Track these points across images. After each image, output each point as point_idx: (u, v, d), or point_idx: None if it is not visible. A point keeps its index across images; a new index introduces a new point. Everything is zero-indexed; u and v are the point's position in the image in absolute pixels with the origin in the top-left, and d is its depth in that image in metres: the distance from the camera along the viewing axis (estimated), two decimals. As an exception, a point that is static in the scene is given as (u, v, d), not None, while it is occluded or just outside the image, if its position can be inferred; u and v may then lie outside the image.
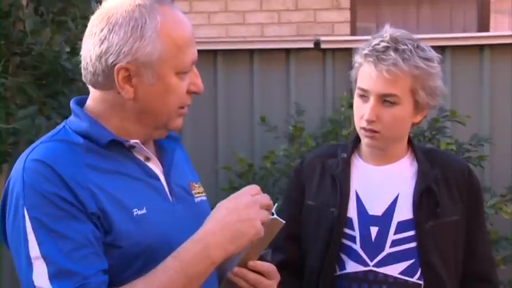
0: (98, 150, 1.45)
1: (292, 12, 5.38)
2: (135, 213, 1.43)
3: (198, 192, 1.62)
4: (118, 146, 1.47)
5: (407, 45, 1.86)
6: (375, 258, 1.91)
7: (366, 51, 1.89)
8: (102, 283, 1.36)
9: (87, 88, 1.52)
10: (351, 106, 2.05)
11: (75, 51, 2.99)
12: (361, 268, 1.91)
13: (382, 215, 1.93)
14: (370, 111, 1.87)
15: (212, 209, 1.47)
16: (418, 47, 1.89)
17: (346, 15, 5.39)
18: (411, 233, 1.91)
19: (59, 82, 3.04)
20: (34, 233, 1.35)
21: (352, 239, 1.93)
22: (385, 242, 1.91)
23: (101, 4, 1.49)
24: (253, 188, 1.47)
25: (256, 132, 4.35)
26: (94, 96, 1.50)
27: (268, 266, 1.54)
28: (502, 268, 3.76)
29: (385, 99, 1.87)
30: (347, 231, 1.93)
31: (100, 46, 1.42)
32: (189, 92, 1.49)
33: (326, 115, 4.29)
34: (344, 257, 1.93)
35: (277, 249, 1.98)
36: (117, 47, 1.41)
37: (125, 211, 1.42)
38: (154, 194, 1.50)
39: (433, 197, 1.92)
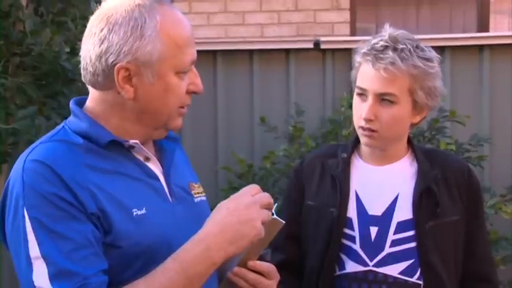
0: (98, 151, 1.45)
1: (292, 13, 5.38)
2: (134, 213, 1.43)
3: (198, 193, 1.62)
4: (117, 146, 1.48)
5: (406, 45, 1.86)
6: (375, 258, 1.91)
7: (364, 50, 1.89)
8: (102, 283, 1.36)
9: (87, 88, 1.52)
10: (350, 106, 2.05)
11: (75, 51, 2.98)
12: (361, 268, 1.91)
13: (382, 215, 1.93)
14: (368, 110, 1.88)
15: (212, 209, 1.47)
16: (417, 47, 1.89)
17: (346, 15, 5.39)
18: (411, 233, 1.91)
19: (59, 82, 3.04)
20: (34, 233, 1.36)
21: (352, 239, 1.93)
22: (385, 242, 1.91)
23: (100, 4, 1.49)
24: (254, 188, 1.47)
25: (256, 132, 4.36)
26: (93, 97, 1.50)
27: (268, 266, 1.54)
28: (501, 268, 3.76)
29: (383, 98, 1.87)
30: (347, 231, 1.93)
31: (100, 46, 1.42)
32: (189, 92, 1.50)
33: (326, 115, 4.29)
34: (344, 257, 1.93)
35: (277, 249, 1.98)
36: (117, 47, 1.41)
37: (125, 211, 1.42)
38: (154, 194, 1.50)
39: (433, 197, 1.92)
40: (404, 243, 1.91)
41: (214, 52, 4.42)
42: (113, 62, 1.42)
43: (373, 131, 1.89)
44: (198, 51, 1.51)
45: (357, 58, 1.93)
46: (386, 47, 1.86)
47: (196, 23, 5.12)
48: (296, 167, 2.12)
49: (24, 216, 1.36)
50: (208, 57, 4.38)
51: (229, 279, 1.53)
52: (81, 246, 1.35)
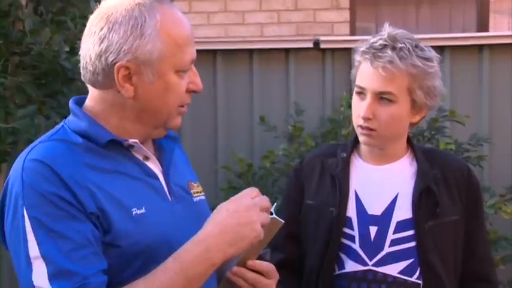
0: (97, 150, 1.45)
1: (291, 12, 5.38)
2: (134, 212, 1.43)
3: (197, 192, 1.62)
4: (117, 146, 1.47)
5: (405, 44, 1.86)
6: (374, 257, 1.91)
7: (363, 49, 1.89)
8: (101, 283, 1.36)
9: (87, 88, 1.51)
10: (350, 106, 2.05)
11: (75, 50, 2.98)
12: (360, 267, 1.91)
13: (382, 214, 1.93)
14: (367, 108, 1.88)
15: (211, 208, 1.47)
16: (416, 46, 1.89)
17: (346, 15, 5.39)
18: (410, 232, 1.91)
19: (58, 82, 3.04)
20: (33, 232, 1.35)
21: (352, 238, 1.93)
22: (384, 241, 1.91)
23: (99, 3, 1.49)
24: (253, 191, 1.47)
25: (256, 132, 4.36)
26: (93, 96, 1.50)
27: (267, 266, 1.54)
28: (501, 268, 3.76)
29: (382, 97, 1.87)
30: (346, 230, 1.93)
31: (100, 45, 1.42)
32: (189, 91, 1.50)
33: (325, 115, 4.29)
34: (343, 256, 1.93)
35: (277, 248, 1.97)
36: (117, 46, 1.41)
37: (124, 210, 1.42)
38: (153, 193, 1.50)
39: (433, 197, 1.92)
40: (404, 243, 1.91)
41: (214, 51, 4.42)
42: (113, 60, 1.42)
43: (371, 129, 1.89)
44: (198, 51, 1.52)
45: (357, 57, 1.93)
46: (385, 46, 1.86)
47: (196, 23, 5.12)
48: (296, 167, 2.12)
49: (23, 215, 1.36)
50: (208, 57, 4.38)
51: (229, 279, 1.53)
52: (81, 245, 1.35)
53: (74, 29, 3.05)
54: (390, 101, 1.87)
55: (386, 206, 1.93)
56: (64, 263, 1.34)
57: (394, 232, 1.91)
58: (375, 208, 1.94)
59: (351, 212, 1.94)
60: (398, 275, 1.89)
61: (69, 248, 1.35)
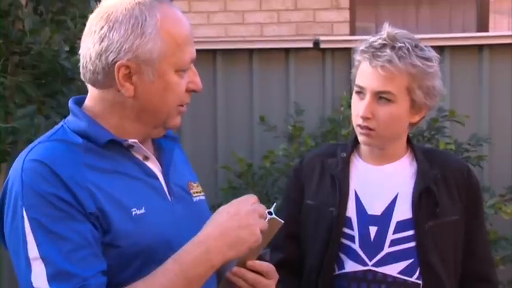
0: (97, 150, 1.45)
1: (291, 12, 5.38)
2: (133, 212, 1.43)
3: (197, 192, 1.62)
4: (116, 146, 1.47)
5: (404, 44, 1.86)
6: (374, 257, 1.90)
7: (362, 48, 1.89)
8: (101, 285, 1.36)
9: (86, 87, 1.51)
10: (350, 106, 2.04)
11: (74, 50, 2.98)
12: (360, 268, 1.91)
13: (381, 214, 1.93)
14: (365, 108, 1.87)
15: (211, 208, 1.47)
16: (416, 46, 1.89)
17: (346, 15, 5.39)
18: (410, 232, 1.91)
19: (58, 81, 3.04)
20: (33, 233, 1.35)
21: (351, 238, 1.92)
22: (384, 241, 1.90)
23: (99, 3, 1.48)
24: (252, 197, 1.48)
25: (256, 131, 4.35)
26: (93, 95, 1.49)
27: (267, 266, 1.54)
28: (501, 268, 3.76)
29: (381, 97, 1.87)
30: (346, 230, 1.93)
31: (100, 44, 1.42)
32: (188, 90, 1.50)
33: (325, 115, 4.29)
34: (343, 256, 1.92)
35: (276, 248, 1.97)
36: (117, 45, 1.41)
37: (124, 211, 1.42)
38: (153, 193, 1.50)
39: (433, 197, 1.92)
40: (404, 243, 1.90)
41: (214, 51, 4.42)
42: (113, 60, 1.41)
43: (370, 129, 1.89)
44: (198, 51, 1.51)
45: (356, 57, 1.93)
46: (384, 45, 1.86)
47: (196, 22, 5.12)
48: (295, 166, 2.12)
49: (23, 216, 1.36)
50: (208, 57, 4.37)
51: (228, 279, 1.52)
52: (80, 246, 1.35)
53: (73, 28, 3.05)
54: (389, 100, 1.87)
55: (386, 206, 1.93)
56: (63, 264, 1.34)
57: (394, 232, 1.91)
58: (375, 208, 1.93)
59: (351, 212, 1.94)
60: (398, 275, 1.89)
61: (69, 249, 1.34)
